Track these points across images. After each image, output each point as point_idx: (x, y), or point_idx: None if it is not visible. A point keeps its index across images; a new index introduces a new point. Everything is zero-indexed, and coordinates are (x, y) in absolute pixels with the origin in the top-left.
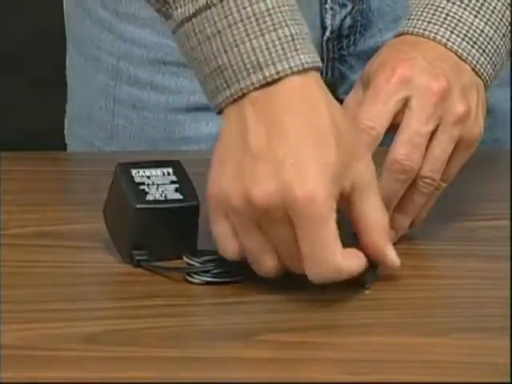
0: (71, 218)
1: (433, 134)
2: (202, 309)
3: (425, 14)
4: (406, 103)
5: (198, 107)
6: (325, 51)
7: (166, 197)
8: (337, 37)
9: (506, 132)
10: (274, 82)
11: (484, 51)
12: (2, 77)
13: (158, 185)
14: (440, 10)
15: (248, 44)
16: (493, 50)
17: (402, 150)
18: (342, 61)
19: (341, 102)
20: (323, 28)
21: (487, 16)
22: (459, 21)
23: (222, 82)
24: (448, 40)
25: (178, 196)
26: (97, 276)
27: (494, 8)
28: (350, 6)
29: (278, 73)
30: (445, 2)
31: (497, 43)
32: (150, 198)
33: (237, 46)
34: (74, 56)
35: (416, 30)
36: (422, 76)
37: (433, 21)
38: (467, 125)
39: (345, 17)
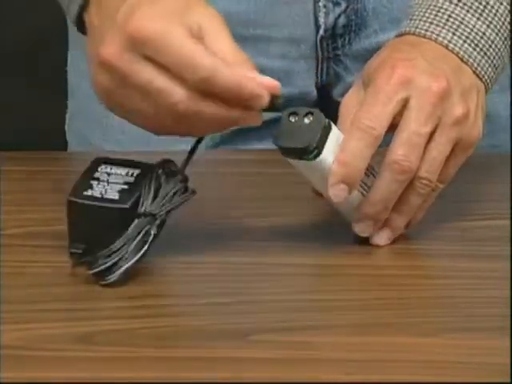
0: None
1: (431, 135)
2: (201, 309)
3: (427, 15)
4: (405, 104)
5: None
6: (319, 50)
7: (103, 195)
8: (331, 36)
9: (504, 139)
10: None
11: (485, 54)
12: (2, 77)
13: (111, 183)
14: (442, 11)
15: None
16: (494, 53)
17: (401, 150)
18: (336, 61)
19: (336, 104)
20: (317, 26)
21: (489, 19)
22: (461, 23)
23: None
24: (449, 42)
25: (114, 196)
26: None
27: (497, 11)
28: (344, 5)
29: None
30: (447, 3)
31: (498, 46)
32: (87, 193)
33: None
34: (75, 53)
35: (418, 30)
36: (422, 77)
37: (435, 22)
38: (465, 127)
39: (339, 15)
